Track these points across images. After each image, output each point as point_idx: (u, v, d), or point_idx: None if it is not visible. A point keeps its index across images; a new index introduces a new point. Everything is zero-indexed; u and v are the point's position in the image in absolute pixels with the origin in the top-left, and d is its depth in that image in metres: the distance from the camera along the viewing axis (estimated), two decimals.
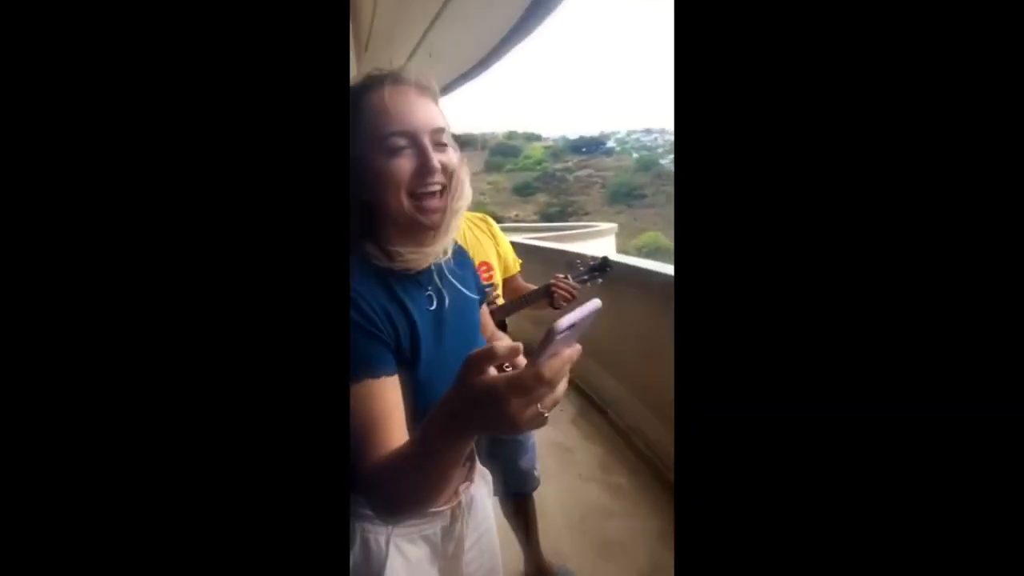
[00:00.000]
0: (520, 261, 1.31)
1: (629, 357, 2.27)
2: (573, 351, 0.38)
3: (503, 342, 0.39)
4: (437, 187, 0.52)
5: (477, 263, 1.18)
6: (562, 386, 0.39)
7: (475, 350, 0.39)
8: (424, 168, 0.51)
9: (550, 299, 1.13)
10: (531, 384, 0.36)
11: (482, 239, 1.22)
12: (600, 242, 6.66)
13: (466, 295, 0.62)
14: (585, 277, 1.15)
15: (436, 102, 0.56)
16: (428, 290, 0.57)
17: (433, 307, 0.57)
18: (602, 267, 1.16)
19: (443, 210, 0.53)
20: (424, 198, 0.52)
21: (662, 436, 1.91)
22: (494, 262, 1.21)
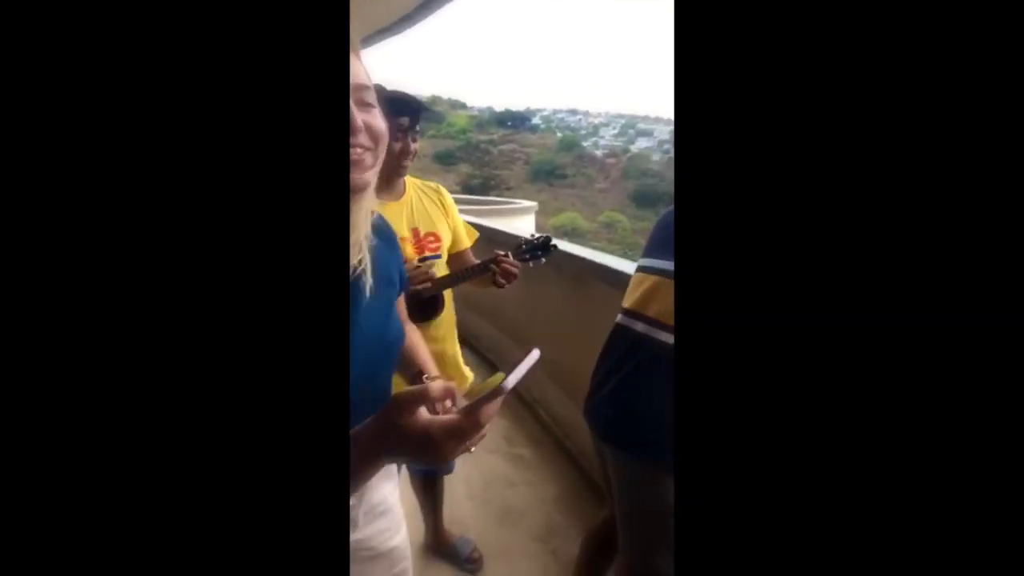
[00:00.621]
0: (477, 235, 1.27)
1: (540, 334, 2.35)
2: (503, 396, 0.40)
3: (437, 383, 0.40)
4: (359, 151, 0.47)
5: (424, 233, 1.14)
6: (489, 425, 0.41)
7: (406, 390, 0.39)
8: None
9: (492, 276, 1.11)
10: (469, 431, 0.38)
11: (431, 209, 1.18)
12: (520, 220, 6.72)
13: (384, 276, 0.58)
14: (527, 256, 1.13)
15: (358, 56, 0.51)
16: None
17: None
18: (544, 246, 1.14)
19: (365, 175, 0.48)
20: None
21: (565, 409, 2.02)
22: (442, 233, 1.17)
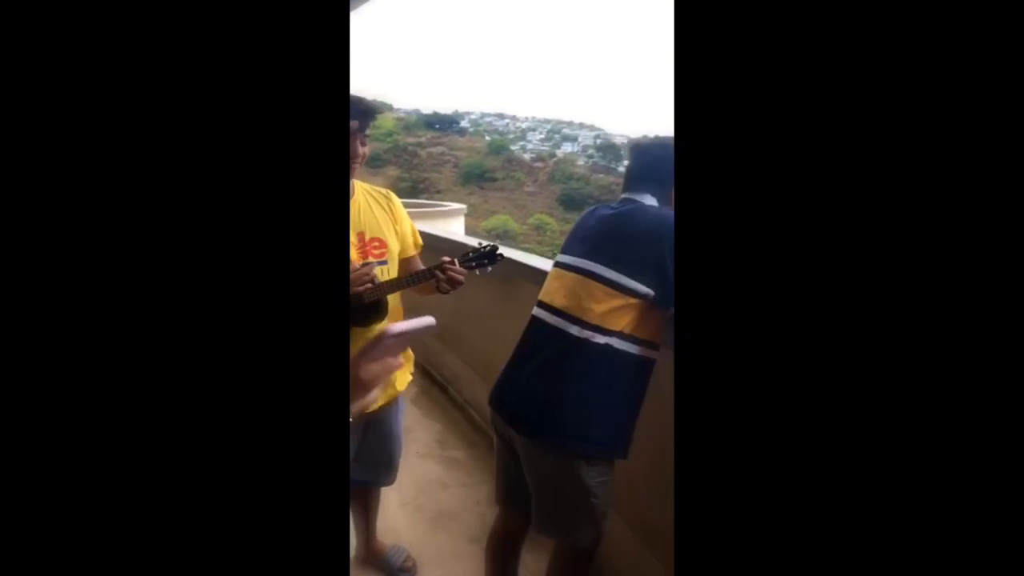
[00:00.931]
0: (421, 245, 1.26)
1: (471, 336, 2.35)
2: (394, 363, 0.39)
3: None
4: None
5: (369, 238, 1.11)
6: (375, 392, 0.39)
7: None
8: None
9: (436, 283, 1.10)
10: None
11: (379, 214, 1.16)
12: (450, 222, 6.68)
13: None
14: (473, 263, 1.13)
15: None
16: None
17: None
18: (491, 254, 1.14)
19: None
20: None
21: None
22: (388, 239, 1.14)
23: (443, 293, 1.12)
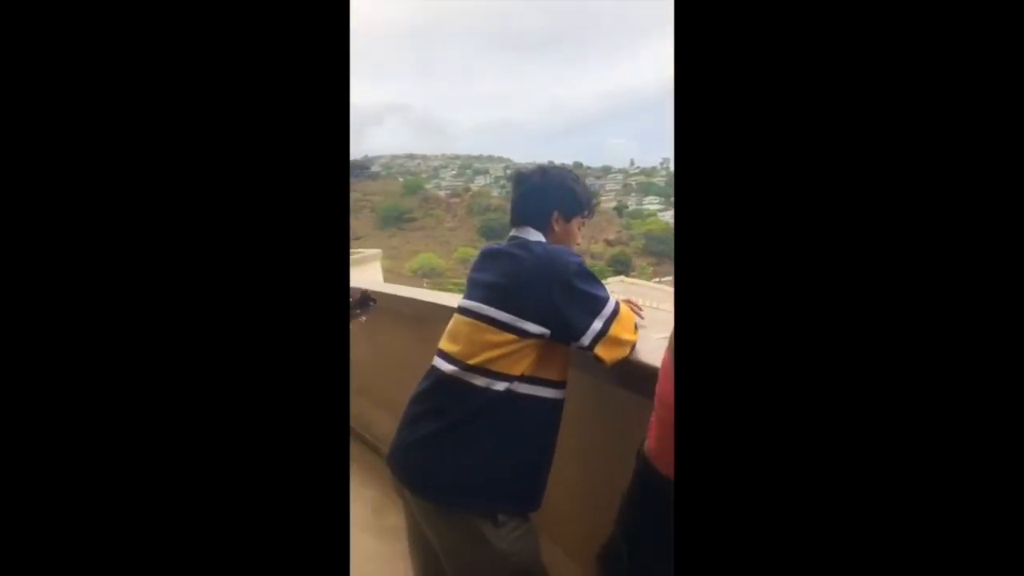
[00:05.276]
0: None
1: (396, 389, 2.22)
2: None
3: None
4: None
5: None
6: None
7: None
8: None
9: None
10: None
11: None
12: (365, 268, 6.47)
13: None
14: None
15: None
16: None
17: None
18: (364, 302, 1.10)
19: None
20: None
21: None
22: None
23: None
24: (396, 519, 1.84)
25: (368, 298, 1.12)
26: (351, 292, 1.12)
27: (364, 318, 1.10)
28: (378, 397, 2.35)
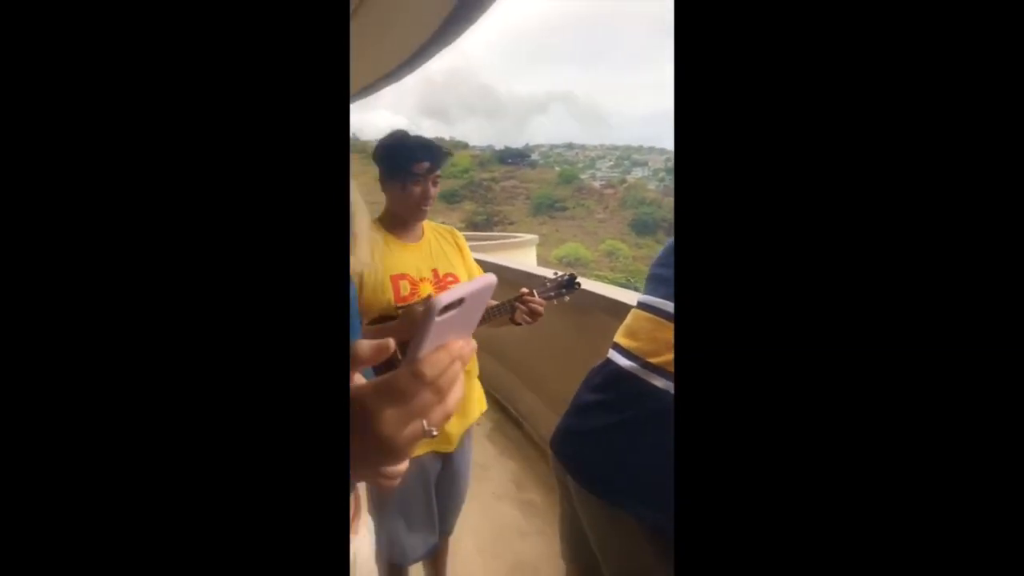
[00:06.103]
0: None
1: (545, 371, 2.28)
2: (465, 345, 0.28)
3: (368, 341, 0.30)
4: None
5: (442, 274, 1.11)
6: (454, 393, 0.28)
7: None
8: None
9: (511, 315, 1.07)
10: (408, 387, 0.27)
11: (449, 251, 1.16)
12: (522, 252, 6.75)
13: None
14: (552, 294, 1.10)
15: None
16: None
17: None
18: (570, 284, 1.12)
19: None
20: None
21: None
22: (460, 274, 1.15)
23: (517, 324, 1.09)
24: (535, 495, 1.91)
25: (574, 280, 1.13)
26: (557, 274, 1.14)
27: (568, 298, 1.12)
28: (527, 377, 2.45)
